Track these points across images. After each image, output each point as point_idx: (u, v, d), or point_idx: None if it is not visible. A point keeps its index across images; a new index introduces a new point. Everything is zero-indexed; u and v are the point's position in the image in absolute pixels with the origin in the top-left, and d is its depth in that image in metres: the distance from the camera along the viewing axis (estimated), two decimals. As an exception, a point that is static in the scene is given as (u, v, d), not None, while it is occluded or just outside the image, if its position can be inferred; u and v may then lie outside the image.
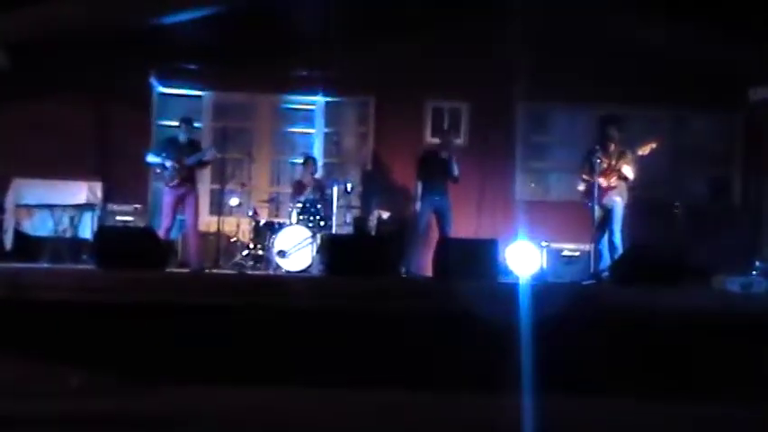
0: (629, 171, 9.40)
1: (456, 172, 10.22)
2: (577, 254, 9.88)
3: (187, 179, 9.74)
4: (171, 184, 9.67)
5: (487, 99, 11.72)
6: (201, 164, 9.97)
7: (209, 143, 10.70)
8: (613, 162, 9.43)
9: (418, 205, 10.32)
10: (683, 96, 11.48)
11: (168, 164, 9.62)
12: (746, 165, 12.08)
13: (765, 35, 10.23)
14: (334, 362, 5.13)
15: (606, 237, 9.45)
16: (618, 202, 9.44)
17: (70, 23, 10.51)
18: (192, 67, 11.51)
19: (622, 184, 9.49)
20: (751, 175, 12.01)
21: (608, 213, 9.43)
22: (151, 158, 9.85)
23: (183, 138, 9.86)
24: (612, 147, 9.48)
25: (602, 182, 9.36)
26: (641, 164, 9.60)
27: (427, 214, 10.34)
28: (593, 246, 9.61)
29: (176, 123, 10.18)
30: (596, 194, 9.33)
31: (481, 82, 11.55)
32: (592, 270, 9.53)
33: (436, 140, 11.03)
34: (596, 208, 9.36)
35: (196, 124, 10.54)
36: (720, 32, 10.58)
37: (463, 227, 11.03)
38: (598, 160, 9.35)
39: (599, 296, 7.21)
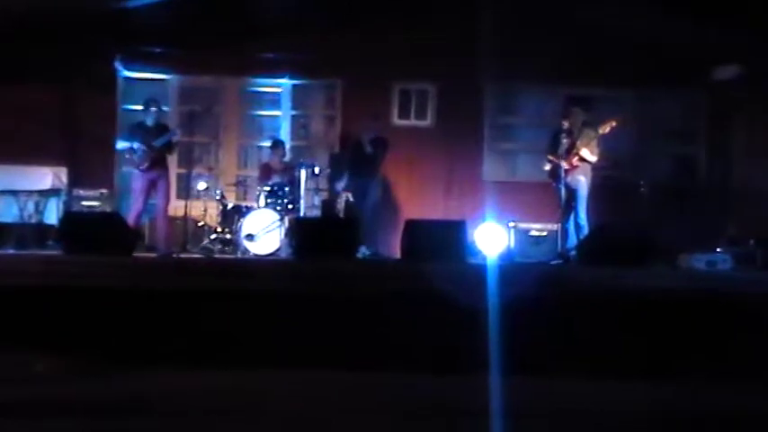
0: (587, 153, 9.51)
1: (368, 150, 10.50)
2: (545, 234, 9.96)
3: (158, 162, 9.70)
4: (142, 168, 9.62)
5: (455, 80, 11.75)
6: (171, 146, 9.92)
7: (175, 127, 10.64)
8: (577, 143, 9.53)
9: (340, 186, 10.70)
10: (648, 76, 11.55)
11: (137, 147, 9.57)
12: (711, 143, 12.21)
13: (728, 14, 10.32)
14: (303, 344, 5.13)
15: (572, 217, 9.55)
16: (582, 181, 9.54)
17: (31, 7, 10.37)
18: (157, 50, 11.41)
19: (586, 165, 9.58)
20: (715, 153, 12.15)
21: (573, 193, 9.54)
22: (120, 144, 9.82)
23: (150, 120, 9.82)
24: (575, 127, 9.58)
25: (564, 163, 9.47)
26: (605, 143, 9.70)
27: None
28: (559, 226, 9.72)
29: (142, 107, 10.11)
30: (561, 175, 9.42)
31: (448, 63, 11.55)
32: (559, 250, 9.63)
33: (403, 122, 11.08)
34: (562, 188, 9.46)
35: (162, 107, 10.48)
36: (684, 11, 10.66)
37: (431, 208, 11.09)
38: (564, 140, 9.45)
39: (566, 276, 7.29)
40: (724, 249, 9.96)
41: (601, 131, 9.49)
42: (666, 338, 5.11)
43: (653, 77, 11.55)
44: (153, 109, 9.82)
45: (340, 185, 10.67)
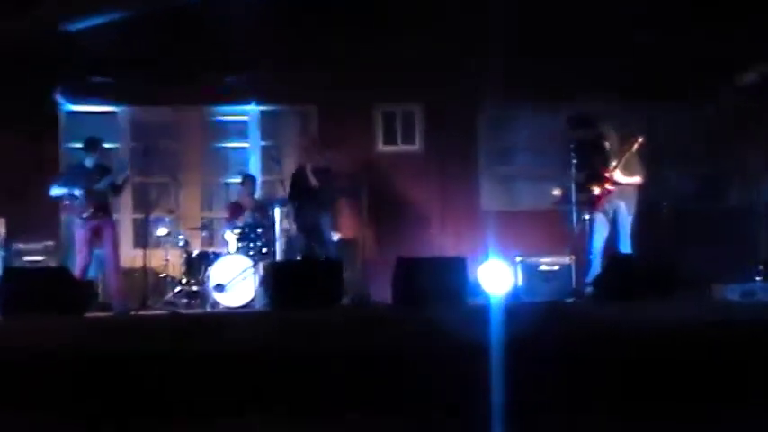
0: (620, 176, 9.59)
1: (312, 182, 10.38)
2: (556, 268, 9.88)
3: (101, 208, 9.65)
4: (83, 216, 9.56)
5: (444, 100, 11.75)
6: (116, 189, 9.86)
7: (126, 165, 10.55)
8: (612, 164, 9.60)
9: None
10: (662, 87, 11.56)
11: (77, 192, 9.52)
12: (738, 158, 12.21)
13: (749, 14, 10.38)
14: (286, 412, 5.03)
15: (598, 246, 9.56)
16: (622, 207, 9.62)
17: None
18: (105, 79, 11.36)
19: (625, 188, 9.66)
20: (744, 168, 12.14)
21: (612, 221, 9.62)
22: (56, 191, 9.73)
23: (90, 162, 9.80)
24: (609, 146, 9.69)
25: (597, 189, 9.58)
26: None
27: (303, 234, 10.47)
28: (572, 258, 9.68)
29: (82, 148, 10.05)
30: (586, 200, 9.52)
31: (437, 81, 11.56)
32: (573, 285, 9.58)
33: (389, 148, 11.07)
34: (579, 215, 9.53)
35: (107, 145, 10.44)
36: (700, 13, 10.72)
37: (425, 245, 11.03)
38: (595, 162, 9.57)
39: (582, 315, 7.22)
40: (761, 277, 9.92)
41: (627, 153, 9.59)
42: (698, 381, 5.04)
43: (668, 87, 11.55)
44: (93, 149, 9.80)
45: (289, 226, 10.65)
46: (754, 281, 9.78)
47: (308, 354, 5.25)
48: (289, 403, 4.90)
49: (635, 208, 9.73)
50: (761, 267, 10.12)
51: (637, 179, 9.69)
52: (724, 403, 4.80)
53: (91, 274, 10.00)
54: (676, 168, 12.10)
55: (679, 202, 10.92)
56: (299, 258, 10.51)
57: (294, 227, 10.57)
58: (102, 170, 9.82)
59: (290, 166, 11.98)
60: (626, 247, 9.55)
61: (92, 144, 9.88)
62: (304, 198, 10.37)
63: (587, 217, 9.66)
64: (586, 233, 9.67)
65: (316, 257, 10.24)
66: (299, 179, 10.51)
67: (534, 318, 6.27)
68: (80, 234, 9.66)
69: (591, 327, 6.08)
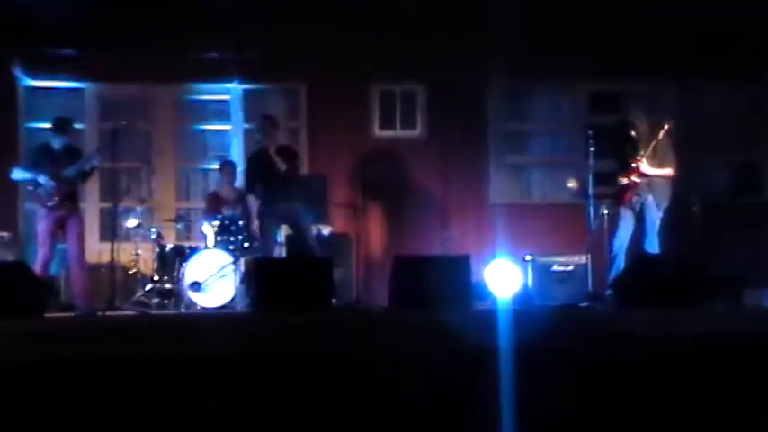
0: (647, 168, 9.56)
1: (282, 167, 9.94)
2: (570, 269, 9.94)
3: (68, 198, 9.65)
4: (48, 205, 9.57)
5: (449, 79, 11.78)
6: (85, 176, 9.87)
7: (93, 149, 10.58)
8: (640, 153, 9.61)
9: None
10: (693, 64, 11.61)
11: (42, 179, 9.52)
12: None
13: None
14: (268, 425, 5.09)
15: (622, 244, 9.58)
16: (650, 201, 9.58)
17: None
18: (69, 52, 11.40)
19: (654, 180, 9.63)
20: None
21: (640, 217, 9.61)
22: (18, 174, 9.73)
23: (57, 144, 9.76)
24: (640, 133, 9.68)
25: (624, 179, 9.57)
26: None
27: (273, 229, 10.25)
28: (589, 257, 9.73)
29: (51, 128, 10.05)
30: (610, 193, 9.53)
31: (441, 57, 11.60)
32: (590, 288, 9.63)
33: (386, 132, 11.09)
34: (624, 210, 9.54)
35: (76, 125, 10.45)
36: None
37: (425, 241, 11.07)
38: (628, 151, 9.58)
39: (600, 322, 7.26)
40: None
41: (661, 137, 9.56)
42: (729, 401, 5.09)
43: (700, 65, 11.60)
44: (62, 129, 9.77)
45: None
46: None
47: (291, 361, 5.30)
48: (270, 415, 4.96)
49: (667, 203, 9.71)
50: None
51: (668, 171, 9.66)
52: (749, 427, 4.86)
53: (53, 270, 10.04)
54: (708, 158, 12.17)
55: (710, 196, 10.98)
56: (284, 255, 10.54)
57: (262, 222, 10.20)
58: (71, 154, 9.79)
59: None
60: (652, 246, 9.54)
61: (62, 125, 9.82)
62: (271, 185, 9.99)
63: (606, 212, 9.67)
64: (605, 230, 9.69)
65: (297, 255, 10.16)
66: (260, 164, 10.09)
67: (545, 324, 6.32)
68: (43, 226, 9.64)
69: (607, 336, 6.13)
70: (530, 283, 9.88)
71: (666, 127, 9.57)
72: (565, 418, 4.83)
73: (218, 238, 10.34)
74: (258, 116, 10.58)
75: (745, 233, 11.25)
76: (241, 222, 10.41)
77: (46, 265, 9.64)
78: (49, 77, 11.68)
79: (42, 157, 9.72)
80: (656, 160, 9.57)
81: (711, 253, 9.90)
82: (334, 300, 9.15)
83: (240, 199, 10.72)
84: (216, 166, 11.40)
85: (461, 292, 8.76)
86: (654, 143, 9.53)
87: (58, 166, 9.59)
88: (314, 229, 10.54)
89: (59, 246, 9.85)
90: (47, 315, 8.64)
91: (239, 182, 11.15)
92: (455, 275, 8.85)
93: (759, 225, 11.47)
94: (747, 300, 9.53)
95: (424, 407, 4.91)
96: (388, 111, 11.99)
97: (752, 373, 5.15)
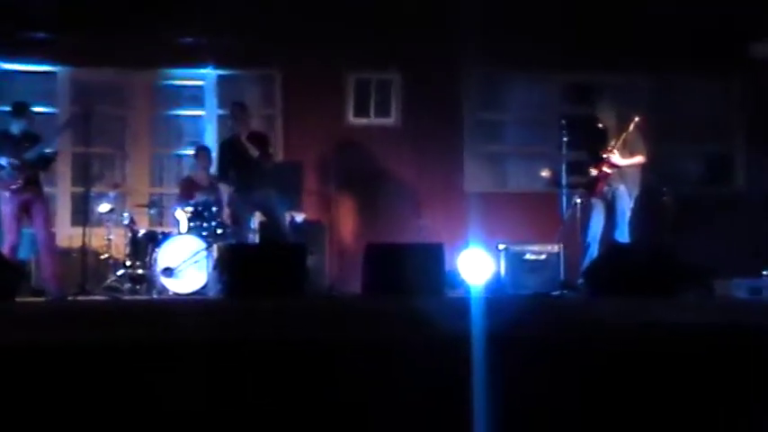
0: (618, 158, 9.61)
1: (254, 153, 9.97)
2: (543, 258, 9.96)
3: (31, 181, 9.61)
4: (12, 188, 9.52)
5: (425, 68, 11.78)
6: (46, 162, 9.81)
7: (57, 135, 10.47)
8: (610, 144, 9.66)
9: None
10: (668, 57, 11.65)
11: (4, 161, 9.49)
12: (750, 138, 12.32)
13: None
14: (239, 412, 5.08)
15: (595, 233, 9.62)
16: (621, 191, 9.63)
17: None
18: (42, 35, 11.31)
19: (626, 171, 9.68)
20: (757, 150, 12.24)
21: (610, 207, 9.65)
22: None
23: (17, 129, 9.73)
24: (607, 124, 9.72)
25: (594, 170, 9.62)
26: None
27: (246, 216, 10.28)
28: (561, 247, 9.75)
29: (11, 112, 9.98)
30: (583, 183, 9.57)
31: (417, 46, 11.58)
32: (562, 277, 9.66)
33: (361, 120, 11.06)
34: (596, 200, 9.59)
35: (45, 109, 10.36)
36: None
37: (398, 229, 11.07)
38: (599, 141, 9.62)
39: (571, 311, 7.28)
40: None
41: (624, 134, 9.62)
42: (701, 391, 5.11)
43: (674, 57, 11.63)
44: (21, 114, 9.74)
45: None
46: (762, 276, 9.86)
47: (262, 348, 5.29)
48: (240, 402, 4.94)
49: (637, 191, 9.76)
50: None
51: (639, 158, 9.71)
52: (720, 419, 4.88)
53: (23, 254, 9.99)
54: (681, 149, 12.22)
55: (683, 186, 11.03)
56: (257, 242, 10.52)
57: (234, 209, 10.25)
58: (31, 138, 9.76)
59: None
60: (623, 235, 9.60)
61: (20, 108, 9.81)
62: (244, 172, 10.01)
63: (579, 201, 9.72)
64: (578, 219, 9.74)
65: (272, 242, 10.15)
66: (233, 151, 10.10)
67: (517, 312, 6.32)
68: (7, 210, 9.59)
69: (578, 324, 6.14)
70: (502, 271, 9.90)
71: (636, 120, 9.61)
72: (537, 407, 4.84)
73: (192, 224, 10.31)
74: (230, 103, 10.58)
75: (716, 224, 11.32)
76: (215, 208, 10.38)
77: (14, 249, 9.59)
78: (22, 61, 11.59)
79: (2, 141, 9.69)
80: (627, 151, 9.63)
81: (683, 243, 9.93)
82: (306, 287, 9.14)
83: (214, 185, 10.70)
84: (190, 151, 11.36)
85: (434, 281, 8.78)
86: (624, 135, 9.58)
87: (18, 149, 9.56)
88: (287, 217, 10.55)
89: (28, 230, 9.79)
90: (17, 299, 8.60)
91: (213, 168, 11.12)
92: (428, 263, 8.87)
93: (730, 216, 11.54)
94: (718, 290, 9.58)
95: (395, 395, 4.91)
96: (362, 99, 11.98)
97: (722, 363, 5.17)
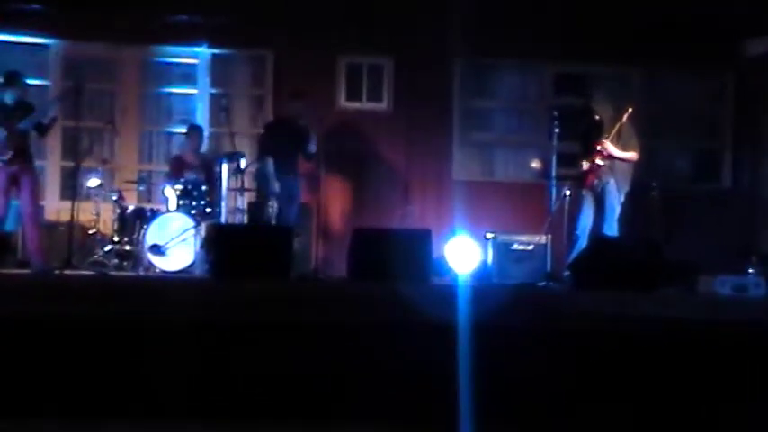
0: (614, 149, 9.62)
1: (313, 148, 10.26)
2: (530, 248, 9.95)
3: (21, 152, 9.54)
4: (2, 158, 9.45)
5: (417, 54, 11.73)
6: (43, 129, 9.74)
7: (54, 103, 10.43)
8: (603, 136, 9.65)
9: (276, 186, 10.29)
10: (658, 51, 11.63)
11: (-3, 131, 9.44)
12: (739, 136, 12.33)
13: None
14: (223, 390, 5.07)
15: (585, 226, 9.62)
16: (611, 184, 9.63)
17: None
18: (36, 7, 11.24)
19: (616, 164, 9.68)
20: (744, 148, 12.27)
21: (599, 200, 9.65)
22: None
23: (9, 99, 9.65)
24: (603, 116, 9.72)
25: (585, 163, 9.62)
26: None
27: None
28: (549, 238, 9.75)
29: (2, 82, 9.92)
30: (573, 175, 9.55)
31: (410, 32, 11.55)
32: (549, 268, 9.67)
33: (352, 104, 11.03)
34: (585, 192, 9.58)
35: (36, 81, 10.33)
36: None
37: (387, 215, 11.06)
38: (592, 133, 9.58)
39: (556, 302, 7.29)
40: (756, 270, 10.02)
41: (624, 120, 9.62)
42: (683, 384, 5.12)
43: (665, 52, 11.62)
44: (13, 83, 9.67)
45: (276, 185, 10.42)
46: (747, 274, 9.87)
47: (244, 327, 5.28)
48: (222, 381, 4.93)
49: (627, 187, 9.76)
50: (754, 258, 10.21)
51: (632, 155, 9.72)
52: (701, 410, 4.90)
53: (9, 227, 9.94)
54: (670, 144, 12.23)
55: (670, 181, 11.03)
56: (245, 222, 10.50)
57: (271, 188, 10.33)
58: (23, 108, 9.69)
59: (242, 118, 11.95)
60: (611, 229, 9.61)
61: (12, 78, 9.71)
62: (282, 156, 10.32)
63: (568, 193, 9.72)
64: (566, 211, 9.73)
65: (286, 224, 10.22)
66: (285, 131, 10.41)
67: (502, 301, 6.33)
68: (-4, 181, 9.55)
69: (563, 316, 6.15)
70: (489, 260, 9.90)
71: (630, 110, 9.62)
72: (520, 393, 4.85)
73: (180, 203, 10.28)
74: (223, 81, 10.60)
75: (702, 220, 11.35)
76: (204, 188, 10.36)
77: (0, 222, 9.55)
78: (14, 32, 11.50)
79: None
80: (620, 144, 9.63)
81: (669, 238, 9.95)
82: (292, 269, 9.12)
83: (204, 164, 10.67)
84: (182, 130, 11.30)
85: (421, 267, 8.76)
86: (618, 126, 9.58)
87: (11, 119, 9.49)
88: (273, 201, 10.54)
89: (15, 202, 9.74)
90: (1, 271, 8.58)
91: (204, 147, 11.09)
92: (415, 250, 8.85)
93: (716, 213, 11.56)
94: (701, 286, 9.59)
95: (380, 378, 4.90)
96: (354, 83, 11.93)
97: (700, 356, 5.19)
